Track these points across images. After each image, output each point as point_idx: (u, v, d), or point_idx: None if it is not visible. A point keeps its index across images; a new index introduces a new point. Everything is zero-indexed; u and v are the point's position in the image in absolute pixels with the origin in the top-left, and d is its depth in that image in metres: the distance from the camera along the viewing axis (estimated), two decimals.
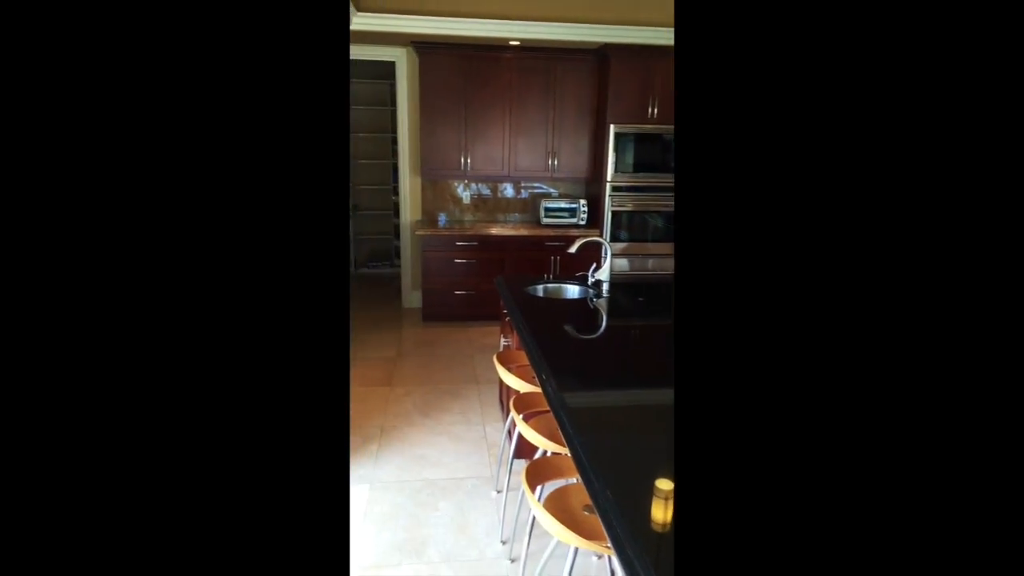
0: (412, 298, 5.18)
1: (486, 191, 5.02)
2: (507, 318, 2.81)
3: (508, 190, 5.04)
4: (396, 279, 5.99)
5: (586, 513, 1.42)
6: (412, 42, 4.41)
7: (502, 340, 3.06)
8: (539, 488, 1.68)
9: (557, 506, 1.43)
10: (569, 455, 1.61)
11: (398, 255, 6.20)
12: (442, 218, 4.81)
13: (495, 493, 2.49)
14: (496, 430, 3.03)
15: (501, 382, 3.13)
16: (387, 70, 5.68)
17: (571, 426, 1.42)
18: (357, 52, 4.69)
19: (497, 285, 2.91)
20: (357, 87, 6.06)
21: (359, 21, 4.03)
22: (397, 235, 6.27)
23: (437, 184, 4.95)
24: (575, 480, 1.69)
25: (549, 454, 1.79)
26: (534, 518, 1.59)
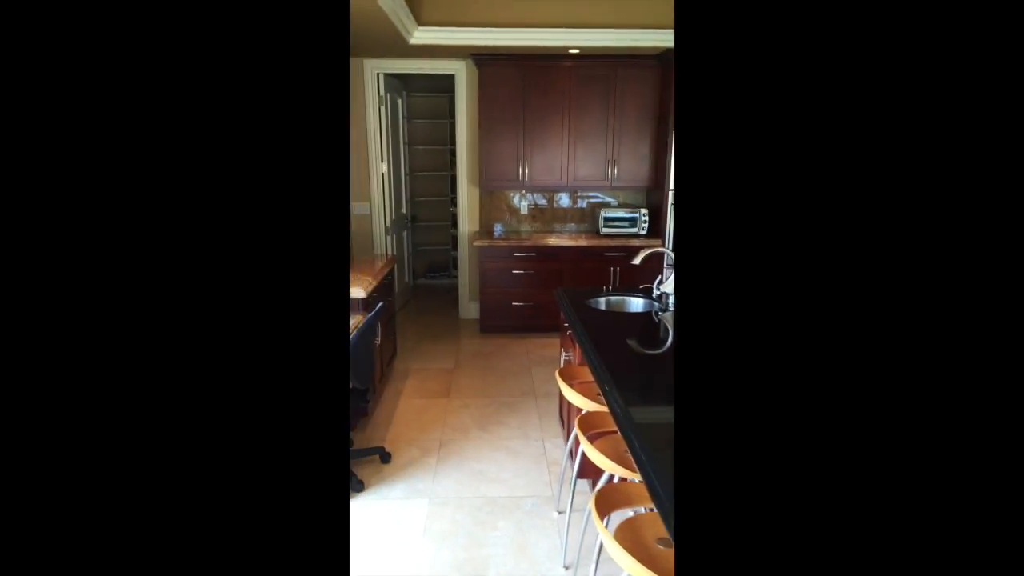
0: (470, 309, 5.17)
1: (543, 201, 4.96)
2: (568, 331, 2.73)
3: (564, 200, 4.96)
4: (454, 290, 6.00)
5: (661, 547, 1.32)
6: (471, 54, 4.43)
7: (563, 354, 2.98)
8: (607, 517, 1.59)
9: (629, 537, 1.34)
10: (640, 482, 1.50)
11: (456, 266, 6.22)
12: (498, 229, 4.78)
13: (556, 514, 2.40)
14: (555, 446, 2.94)
15: (561, 396, 3.04)
16: (447, 83, 5.73)
17: (642, 450, 1.33)
18: (417, 66, 4.75)
19: (557, 297, 2.83)
20: (417, 100, 6.14)
21: (420, 35, 4.07)
22: (455, 246, 6.29)
23: (494, 195, 4.93)
24: (646, 510, 1.59)
25: (616, 479, 1.70)
26: (601, 544, 1.50)
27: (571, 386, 2.11)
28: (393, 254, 4.12)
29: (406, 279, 5.73)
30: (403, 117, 5.68)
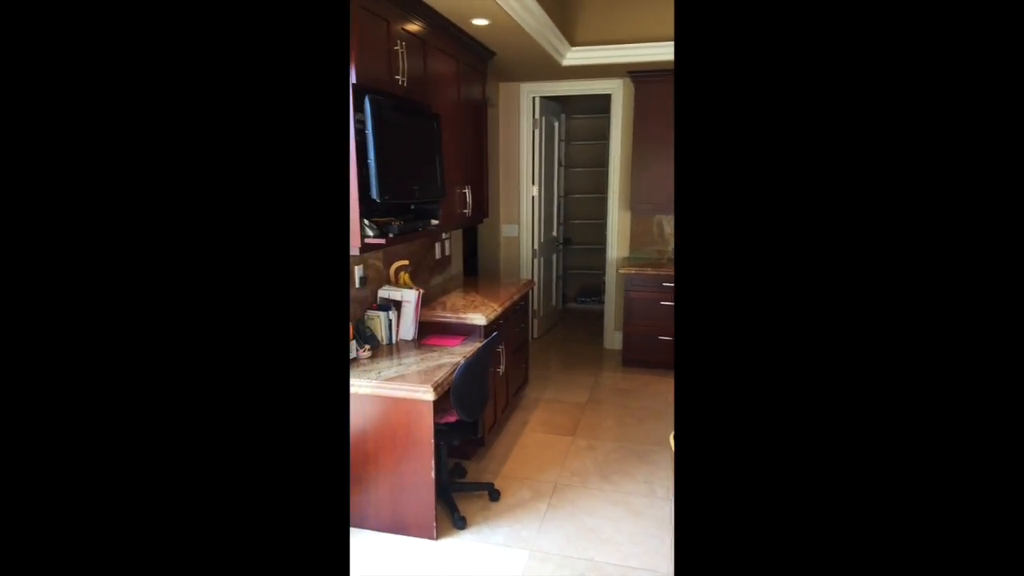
0: (613, 339, 4.88)
1: None
2: None
3: None
4: (602, 317, 5.75)
5: None
6: (628, 72, 4.20)
7: None
8: None
9: None
10: None
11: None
12: (647, 255, 4.44)
13: None
14: None
15: None
16: (605, 103, 5.56)
17: None
18: (574, 87, 4.64)
19: None
20: (576, 122, 6.05)
21: (572, 56, 3.95)
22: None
23: (644, 219, 4.61)
24: None
25: None
26: None
27: None
28: (530, 279, 4.02)
29: (553, 303, 5.62)
30: (560, 139, 5.61)
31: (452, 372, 2.35)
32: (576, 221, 6.27)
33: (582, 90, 4.67)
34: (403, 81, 2.48)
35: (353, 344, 2.49)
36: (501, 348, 3.15)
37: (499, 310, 3.05)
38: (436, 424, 2.38)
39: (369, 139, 2.17)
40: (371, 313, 2.73)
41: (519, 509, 2.59)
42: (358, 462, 2.35)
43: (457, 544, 2.35)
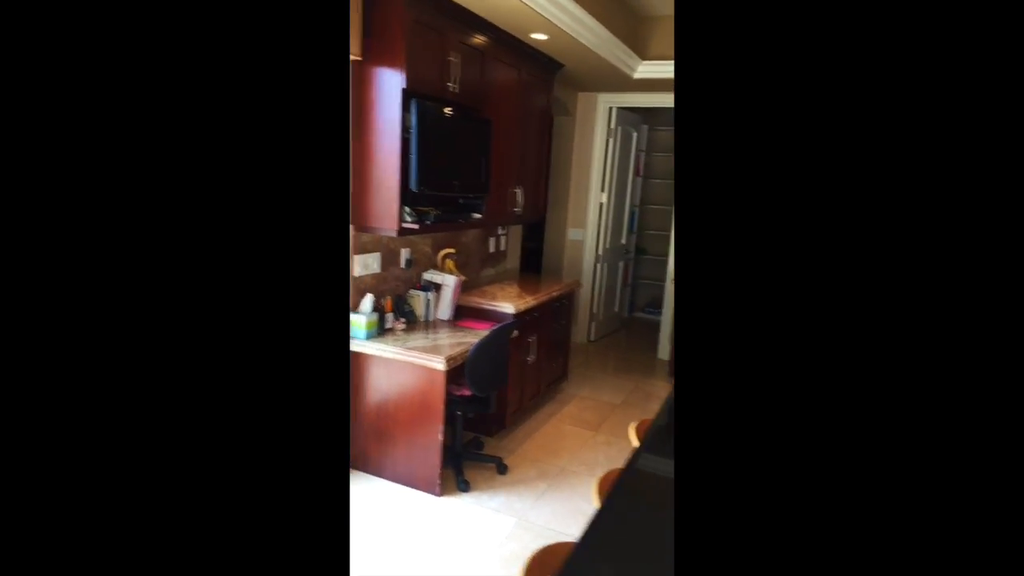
0: (666, 349, 4.91)
1: None
2: None
3: None
4: None
5: None
6: None
7: None
8: None
9: None
10: None
11: None
12: None
13: None
14: None
15: None
16: None
17: None
18: (651, 100, 4.75)
19: None
20: (659, 134, 6.10)
21: (646, 69, 4.08)
22: None
23: None
24: None
25: None
26: None
27: None
28: (575, 281, 4.19)
29: (616, 309, 5.72)
30: (639, 150, 5.71)
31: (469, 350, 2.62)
32: (651, 232, 6.31)
33: (659, 103, 4.75)
34: (455, 88, 2.79)
35: (390, 316, 2.84)
36: (533, 339, 3.37)
37: (532, 303, 3.27)
38: (452, 395, 2.66)
39: (413, 137, 2.50)
40: (413, 292, 3.07)
41: (520, 484, 2.80)
42: (380, 418, 2.69)
43: (456, 503, 2.61)
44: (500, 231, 4.04)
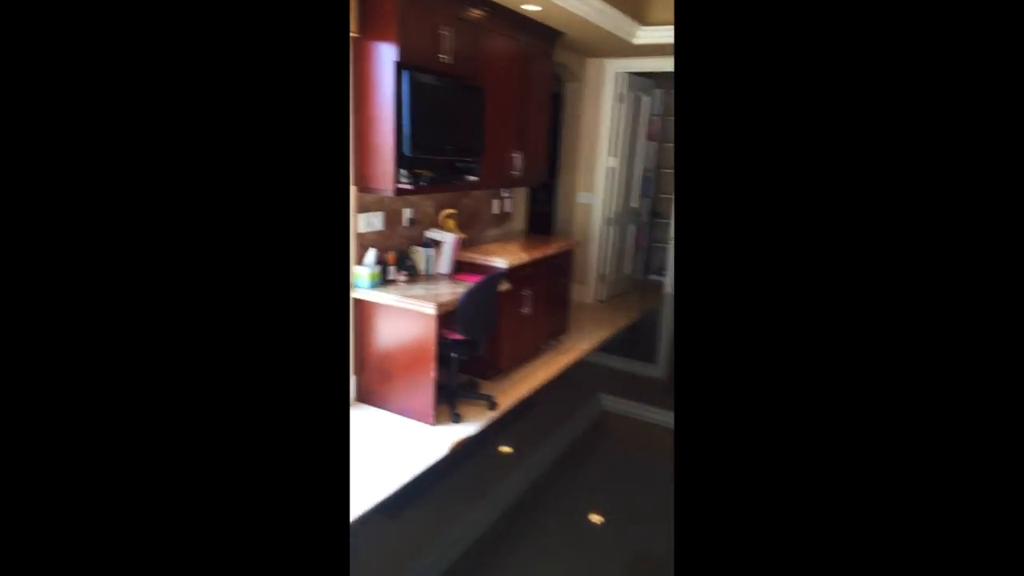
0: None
1: None
2: None
3: None
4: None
5: None
6: None
7: None
8: None
9: None
10: None
11: None
12: None
13: None
14: None
15: None
16: None
17: None
18: (661, 64, 4.84)
19: None
20: (672, 98, 6.17)
21: (647, 35, 4.21)
22: None
23: None
24: None
25: None
26: None
27: None
28: (573, 241, 4.43)
29: (627, 271, 5.92)
30: (653, 114, 5.81)
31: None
32: (667, 196, 6.43)
33: (671, 67, 4.85)
34: (447, 59, 3.04)
35: (393, 269, 3.17)
36: (528, 293, 3.66)
37: (526, 259, 3.55)
38: (445, 338, 2.99)
39: (405, 106, 2.78)
40: (415, 248, 3.39)
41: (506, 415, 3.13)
42: (383, 358, 3.05)
43: (448, 431, 2.97)
44: (505, 194, 4.31)
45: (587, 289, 5.47)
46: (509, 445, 1.42)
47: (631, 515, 1.16)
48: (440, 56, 3.01)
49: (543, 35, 3.87)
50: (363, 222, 3.09)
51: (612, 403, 1.64)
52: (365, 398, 3.20)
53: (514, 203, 4.48)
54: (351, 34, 2.78)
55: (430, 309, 2.82)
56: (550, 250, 3.88)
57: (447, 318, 2.94)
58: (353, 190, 2.99)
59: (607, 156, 5.22)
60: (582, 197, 5.38)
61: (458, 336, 3.04)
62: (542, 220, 5.67)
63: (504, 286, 3.36)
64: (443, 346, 2.97)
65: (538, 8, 3.37)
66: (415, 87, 2.80)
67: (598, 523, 1.13)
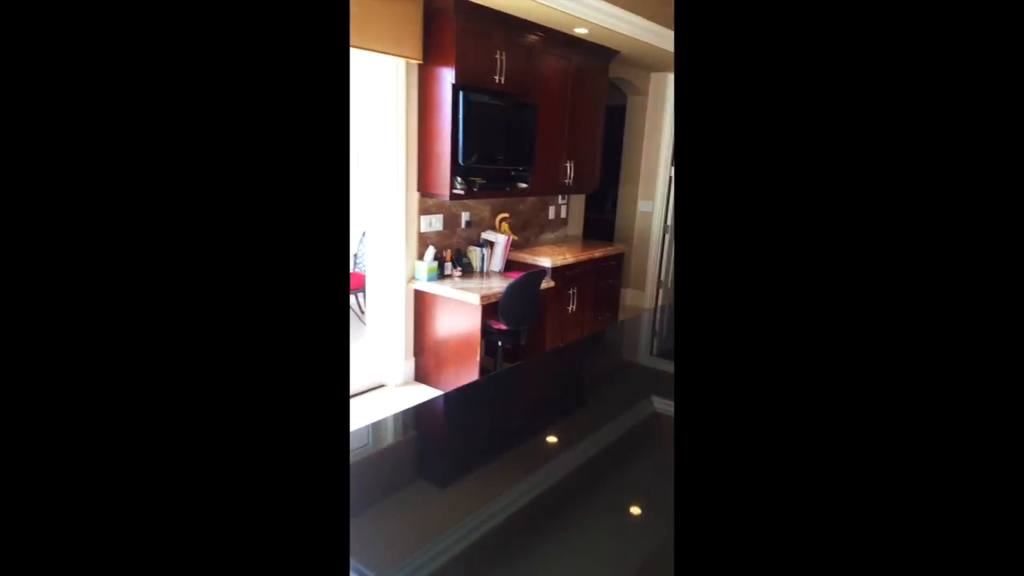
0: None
1: None
2: None
3: None
4: None
5: None
6: None
7: None
8: None
9: None
10: None
11: None
12: None
13: None
14: None
15: None
16: None
17: None
18: None
19: None
20: None
21: None
22: None
23: None
24: None
25: None
26: None
27: None
28: (623, 246, 4.66)
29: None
30: None
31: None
32: None
33: None
34: (500, 79, 3.43)
35: (449, 265, 3.59)
36: (574, 291, 3.95)
37: (571, 260, 3.85)
38: (490, 327, 3.36)
39: (460, 122, 3.20)
40: (471, 247, 3.79)
41: None
42: (437, 343, 3.47)
43: None
44: (560, 200, 4.63)
45: (645, 295, 5.65)
46: (554, 435, 1.45)
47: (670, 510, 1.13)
48: (495, 77, 3.40)
49: (597, 53, 4.17)
50: (424, 223, 3.54)
51: (664, 406, 1.60)
52: (422, 378, 3.63)
53: (569, 209, 4.79)
54: (416, 61, 3.24)
55: (475, 299, 3.20)
56: (597, 253, 4.15)
57: (492, 309, 3.31)
58: (416, 195, 3.45)
59: (667, 165, 5.39)
60: (643, 205, 5.59)
61: (502, 326, 3.40)
62: (605, 227, 5.92)
63: (548, 283, 3.68)
64: (489, 334, 3.34)
65: (586, 31, 3.68)
66: (469, 105, 3.21)
67: (637, 515, 1.13)
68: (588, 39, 3.91)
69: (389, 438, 1.48)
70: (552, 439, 1.42)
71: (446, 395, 1.66)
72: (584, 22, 3.45)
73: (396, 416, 1.54)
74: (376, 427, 1.49)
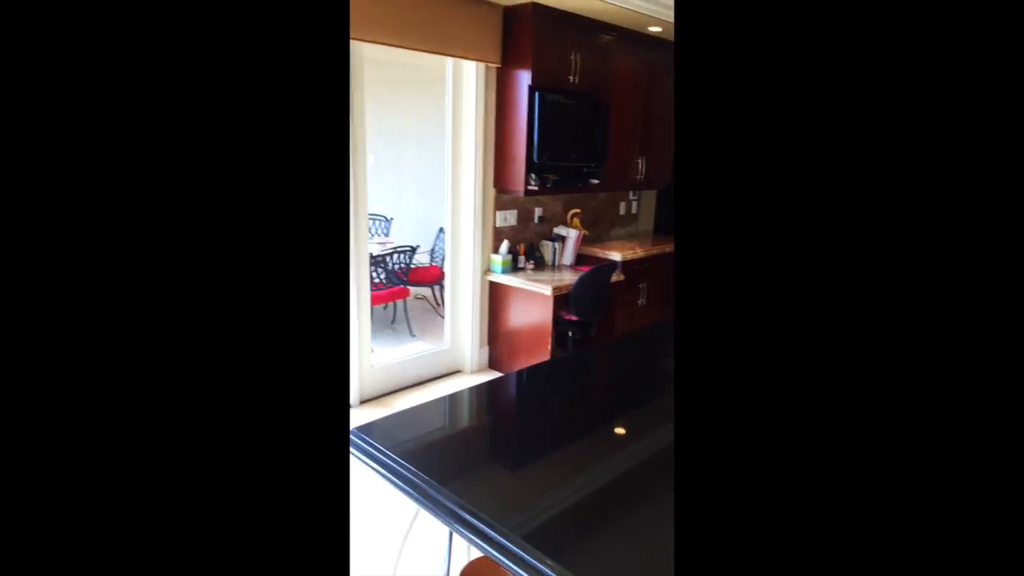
0: None
1: None
2: None
3: None
4: None
5: None
6: None
7: None
8: None
9: None
10: None
11: None
12: None
13: None
14: None
15: None
16: None
17: None
18: None
19: None
20: None
21: None
22: None
23: None
24: None
25: None
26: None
27: None
28: None
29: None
30: None
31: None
32: None
33: None
34: (575, 80, 3.55)
35: (522, 258, 3.76)
36: (644, 285, 4.03)
37: (640, 255, 3.93)
38: (561, 318, 3.50)
39: (535, 121, 3.35)
40: (544, 242, 3.95)
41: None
42: (510, 332, 3.65)
43: None
44: (631, 196, 4.70)
45: None
46: (621, 427, 1.51)
47: None
48: (570, 77, 3.53)
49: (671, 50, 4.21)
50: (499, 218, 3.72)
51: None
52: (495, 366, 3.83)
53: (640, 205, 4.85)
54: (495, 65, 3.42)
55: (547, 290, 3.36)
56: (668, 248, 4.20)
57: (563, 300, 3.45)
58: (492, 191, 3.63)
59: None
60: None
61: (572, 317, 3.54)
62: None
63: (617, 276, 3.77)
64: (560, 324, 3.48)
65: (660, 29, 3.74)
66: (544, 105, 3.35)
67: None
68: (662, 37, 3.96)
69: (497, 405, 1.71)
70: (644, 417, 1.55)
71: (555, 361, 1.83)
72: (658, 20, 3.51)
73: (510, 377, 1.82)
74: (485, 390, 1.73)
